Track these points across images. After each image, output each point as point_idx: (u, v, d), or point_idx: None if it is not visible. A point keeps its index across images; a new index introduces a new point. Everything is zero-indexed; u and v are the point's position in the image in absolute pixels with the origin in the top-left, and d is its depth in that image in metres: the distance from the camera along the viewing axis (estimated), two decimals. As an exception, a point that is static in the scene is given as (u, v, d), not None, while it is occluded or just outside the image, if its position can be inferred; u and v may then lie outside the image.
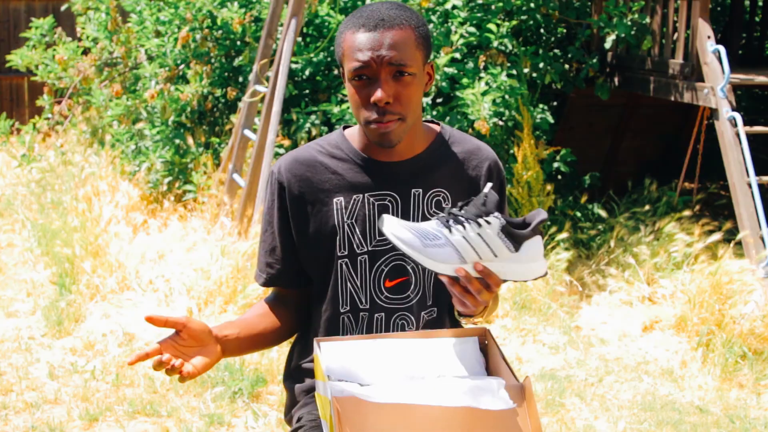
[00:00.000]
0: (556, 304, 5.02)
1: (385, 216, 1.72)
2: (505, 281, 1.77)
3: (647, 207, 6.10)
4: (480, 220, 1.67)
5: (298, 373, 2.05)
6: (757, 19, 8.93)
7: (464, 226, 1.68)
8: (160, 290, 4.84)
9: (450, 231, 1.69)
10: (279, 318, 1.98)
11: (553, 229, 5.50)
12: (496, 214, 1.67)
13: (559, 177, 6.48)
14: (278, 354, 4.29)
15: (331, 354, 1.75)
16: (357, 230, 1.91)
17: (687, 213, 5.74)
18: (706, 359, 4.38)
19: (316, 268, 1.95)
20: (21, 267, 5.61)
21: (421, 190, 1.92)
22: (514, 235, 1.68)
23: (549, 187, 5.63)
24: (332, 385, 1.62)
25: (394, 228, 1.69)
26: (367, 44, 1.80)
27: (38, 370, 4.20)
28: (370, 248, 1.91)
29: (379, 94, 1.80)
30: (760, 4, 8.93)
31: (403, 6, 1.86)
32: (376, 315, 1.93)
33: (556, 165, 5.95)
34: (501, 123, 5.78)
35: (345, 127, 2.00)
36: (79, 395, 3.93)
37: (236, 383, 3.94)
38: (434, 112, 5.73)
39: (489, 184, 1.73)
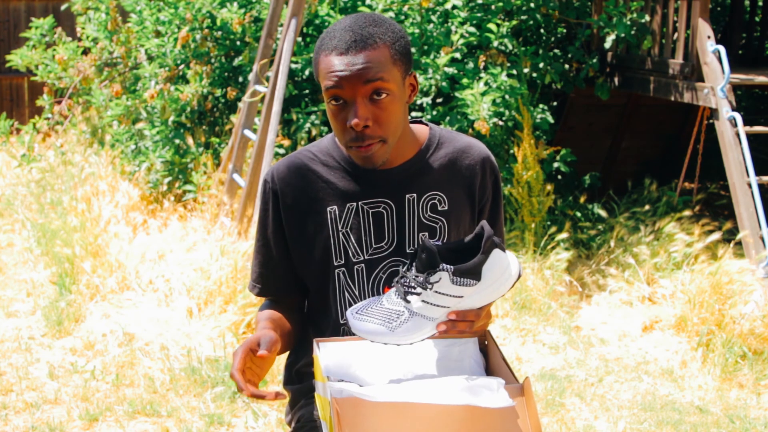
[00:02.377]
0: (556, 304, 5.02)
1: (347, 315, 1.70)
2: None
3: (647, 207, 6.10)
4: (430, 280, 1.63)
5: (298, 375, 2.05)
6: (757, 19, 8.93)
7: (418, 293, 1.64)
8: (160, 290, 4.84)
9: (408, 302, 1.65)
10: (289, 321, 1.96)
11: (553, 229, 5.50)
12: (442, 265, 1.62)
13: (559, 177, 6.48)
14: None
15: (331, 355, 1.75)
16: (352, 239, 1.88)
17: (687, 213, 5.74)
18: (706, 359, 4.38)
19: (313, 279, 1.93)
20: (21, 267, 5.61)
21: (415, 195, 1.89)
22: (468, 271, 1.63)
23: (549, 187, 5.63)
24: (332, 386, 1.62)
25: (359, 325, 1.67)
26: (339, 67, 1.75)
27: (38, 370, 4.20)
28: (366, 257, 1.89)
29: (354, 120, 1.75)
30: (760, 4, 8.93)
31: (377, 21, 1.79)
32: None
33: (556, 165, 5.95)
34: (501, 123, 5.78)
35: None
36: (79, 395, 3.93)
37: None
38: (434, 112, 5.73)
39: (425, 235, 1.67)
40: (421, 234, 1.89)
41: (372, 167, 1.83)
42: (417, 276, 1.64)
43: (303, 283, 1.97)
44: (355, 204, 1.88)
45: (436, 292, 1.63)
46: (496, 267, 1.66)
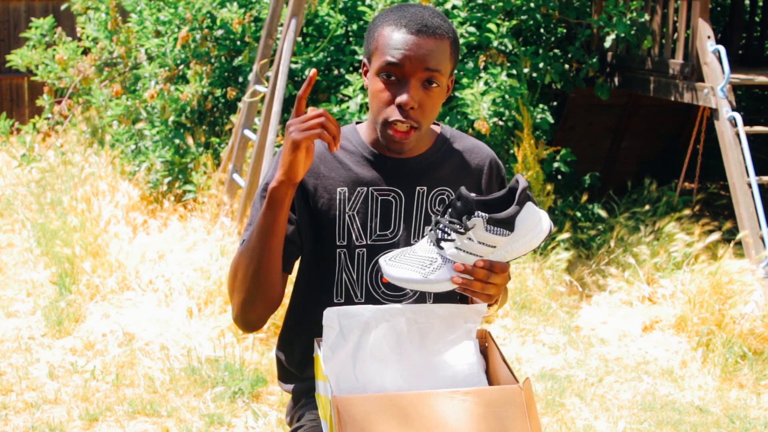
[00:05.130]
0: (556, 304, 5.02)
1: (380, 262, 1.72)
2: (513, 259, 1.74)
3: (647, 207, 6.10)
4: (462, 227, 1.65)
5: (299, 373, 2.05)
6: (757, 19, 8.93)
7: (453, 239, 1.66)
8: (160, 290, 4.84)
9: (441, 249, 1.67)
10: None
11: (554, 229, 5.49)
12: (476, 212, 1.64)
13: (559, 177, 6.48)
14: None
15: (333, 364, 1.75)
16: (357, 222, 1.91)
17: (687, 213, 5.74)
18: (706, 359, 4.38)
19: (315, 256, 1.95)
20: (21, 267, 5.61)
21: (425, 188, 1.93)
22: (502, 221, 1.65)
23: (549, 187, 5.63)
24: (332, 384, 1.62)
25: (392, 271, 1.69)
26: (407, 45, 1.79)
27: (38, 370, 4.20)
28: (369, 242, 1.92)
29: (406, 98, 1.79)
30: (760, 4, 8.93)
31: (444, 17, 1.88)
32: None
33: (556, 165, 5.95)
34: (501, 123, 5.78)
35: (358, 122, 2.02)
36: (79, 395, 3.93)
37: (236, 383, 3.94)
38: (434, 112, 5.73)
39: (461, 188, 1.69)
40: (427, 228, 1.91)
41: (399, 151, 1.86)
42: (452, 222, 1.65)
43: (294, 259, 1.95)
44: (365, 189, 1.91)
45: (470, 239, 1.65)
46: (529, 219, 1.68)
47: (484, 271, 1.67)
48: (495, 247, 1.67)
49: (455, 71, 1.94)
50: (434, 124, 2.02)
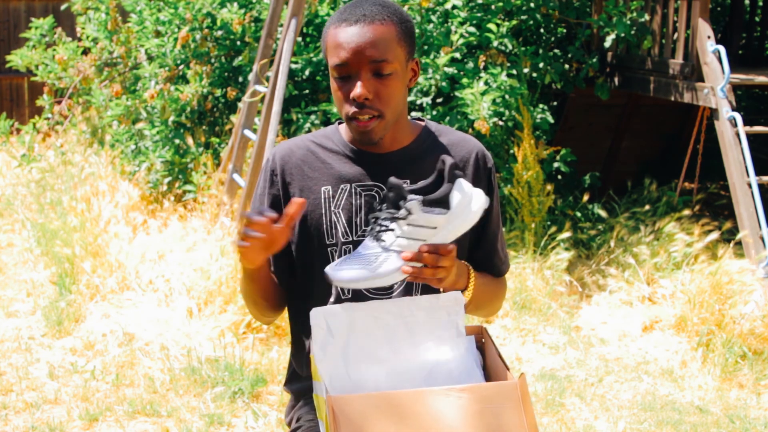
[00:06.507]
0: (556, 304, 5.02)
1: (326, 270, 1.73)
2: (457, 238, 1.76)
3: (647, 207, 6.10)
4: (400, 213, 1.66)
5: (297, 374, 2.05)
6: (757, 19, 8.93)
7: (391, 229, 1.67)
8: (160, 290, 4.84)
9: (383, 241, 1.68)
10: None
11: (553, 229, 5.50)
12: (410, 196, 1.66)
13: (559, 177, 6.48)
14: (278, 354, 4.29)
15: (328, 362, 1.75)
16: (343, 220, 1.92)
17: (687, 213, 5.74)
18: (706, 359, 4.38)
19: (305, 258, 1.96)
20: (21, 267, 5.61)
21: (408, 182, 1.92)
22: (437, 200, 1.67)
23: (549, 187, 5.63)
24: (327, 384, 1.62)
25: (340, 275, 1.69)
26: (347, 40, 1.81)
27: (38, 370, 4.20)
28: (354, 238, 1.92)
29: (358, 90, 1.81)
30: (760, 4, 8.93)
31: (387, 2, 1.87)
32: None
33: (556, 165, 5.95)
34: (501, 123, 5.78)
35: (340, 122, 2.02)
36: (79, 395, 3.94)
37: (236, 383, 3.94)
38: (434, 112, 5.73)
39: (392, 179, 1.71)
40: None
41: (369, 141, 1.88)
42: (389, 212, 1.67)
43: (291, 270, 1.99)
44: (348, 186, 1.93)
45: (410, 224, 1.67)
46: (464, 195, 1.69)
47: (431, 255, 1.69)
48: (435, 228, 1.68)
49: (417, 55, 1.93)
50: (419, 119, 2.02)
